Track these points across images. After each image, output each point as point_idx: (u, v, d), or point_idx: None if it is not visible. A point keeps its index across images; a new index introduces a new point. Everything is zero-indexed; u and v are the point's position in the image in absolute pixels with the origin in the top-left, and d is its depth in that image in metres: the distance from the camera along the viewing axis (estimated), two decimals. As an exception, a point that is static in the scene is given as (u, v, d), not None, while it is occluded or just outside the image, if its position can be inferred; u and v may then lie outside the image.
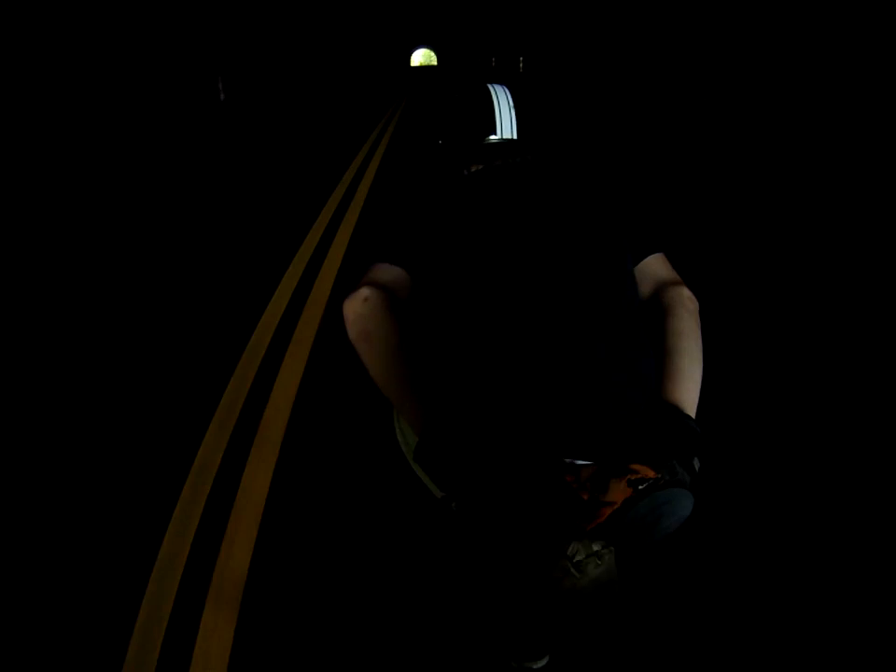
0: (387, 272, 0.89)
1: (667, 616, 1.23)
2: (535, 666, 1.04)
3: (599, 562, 0.80)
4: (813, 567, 1.37)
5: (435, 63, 58.44)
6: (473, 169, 1.05)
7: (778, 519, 1.53)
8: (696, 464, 0.80)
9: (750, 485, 1.65)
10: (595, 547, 0.79)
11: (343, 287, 2.39)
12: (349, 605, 1.28)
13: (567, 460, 0.77)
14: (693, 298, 0.95)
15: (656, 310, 0.95)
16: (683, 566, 1.35)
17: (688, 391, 0.85)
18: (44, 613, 1.32)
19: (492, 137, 1.05)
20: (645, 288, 0.98)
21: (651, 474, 0.74)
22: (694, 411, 0.84)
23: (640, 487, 0.73)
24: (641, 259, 0.98)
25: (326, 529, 1.50)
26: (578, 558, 0.80)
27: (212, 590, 1.35)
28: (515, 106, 1.07)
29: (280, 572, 1.39)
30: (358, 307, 0.84)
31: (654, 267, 0.98)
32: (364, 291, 0.84)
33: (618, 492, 0.74)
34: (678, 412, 0.81)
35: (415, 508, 1.44)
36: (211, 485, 1.67)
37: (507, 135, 1.06)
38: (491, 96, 1.07)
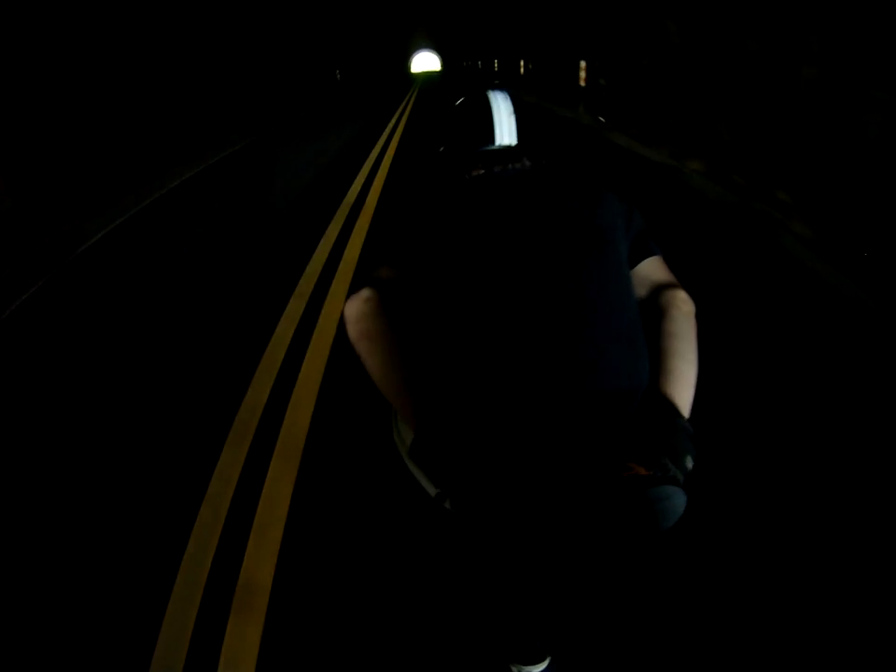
0: (389, 273, 0.92)
1: (668, 618, 1.22)
2: (535, 670, 1.05)
3: None
4: (808, 568, 1.39)
5: (439, 69, 51.64)
6: (474, 174, 1.06)
7: (776, 519, 1.55)
8: (689, 463, 0.80)
9: (749, 486, 1.68)
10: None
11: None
12: (361, 610, 1.34)
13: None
14: (689, 300, 0.95)
15: (653, 312, 0.95)
16: (683, 566, 1.33)
17: (680, 391, 0.86)
18: (69, 623, 1.39)
19: (491, 144, 1.06)
20: (641, 291, 0.99)
21: (643, 472, 0.73)
22: (688, 410, 0.85)
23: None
24: (638, 262, 0.99)
25: (346, 534, 1.57)
26: None
27: (237, 597, 1.40)
28: (515, 112, 1.08)
29: (304, 579, 1.46)
30: (360, 307, 0.86)
31: (650, 270, 0.99)
32: (365, 292, 0.87)
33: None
34: (670, 410, 0.83)
35: (422, 512, 1.48)
36: (234, 490, 1.79)
37: (506, 142, 1.07)
38: (490, 104, 1.08)
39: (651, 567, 1.25)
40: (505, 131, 1.06)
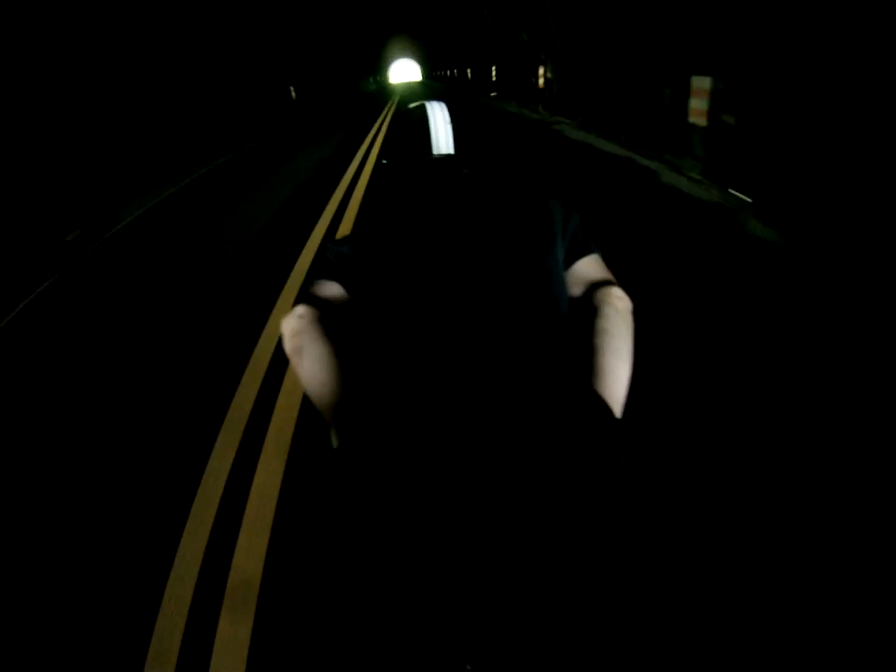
0: (325, 287, 0.95)
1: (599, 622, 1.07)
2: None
3: None
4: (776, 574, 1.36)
5: (420, 80, 46.64)
6: (414, 185, 1.06)
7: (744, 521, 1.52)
8: (620, 459, 0.80)
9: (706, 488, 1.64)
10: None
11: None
12: (347, 603, 1.31)
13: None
14: (624, 296, 0.94)
15: (589, 310, 0.95)
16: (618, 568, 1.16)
17: (612, 388, 0.85)
18: (66, 621, 1.43)
19: (429, 154, 1.07)
20: (578, 289, 0.99)
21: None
22: (620, 407, 0.85)
23: None
24: (575, 262, 0.99)
25: (334, 527, 1.51)
26: None
27: (227, 595, 1.44)
28: (452, 122, 1.08)
29: (291, 575, 1.48)
30: (293, 323, 0.90)
31: (587, 268, 0.99)
32: (299, 309, 0.91)
33: None
34: (601, 408, 0.82)
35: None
36: (223, 490, 1.85)
37: (443, 151, 1.07)
38: (427, 114, 1.08)
39: (589, 571, 1.04)
40: (441, 140, 1.07)
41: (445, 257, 0.88)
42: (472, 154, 1.09)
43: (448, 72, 35.63)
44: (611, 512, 0.73)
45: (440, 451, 0.74)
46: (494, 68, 18.24)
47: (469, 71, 25.53)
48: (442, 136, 1.06)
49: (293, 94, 19.80)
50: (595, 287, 0.95)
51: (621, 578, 0.87)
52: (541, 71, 11.91)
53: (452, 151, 1.06)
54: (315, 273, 0.97)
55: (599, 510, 0.72)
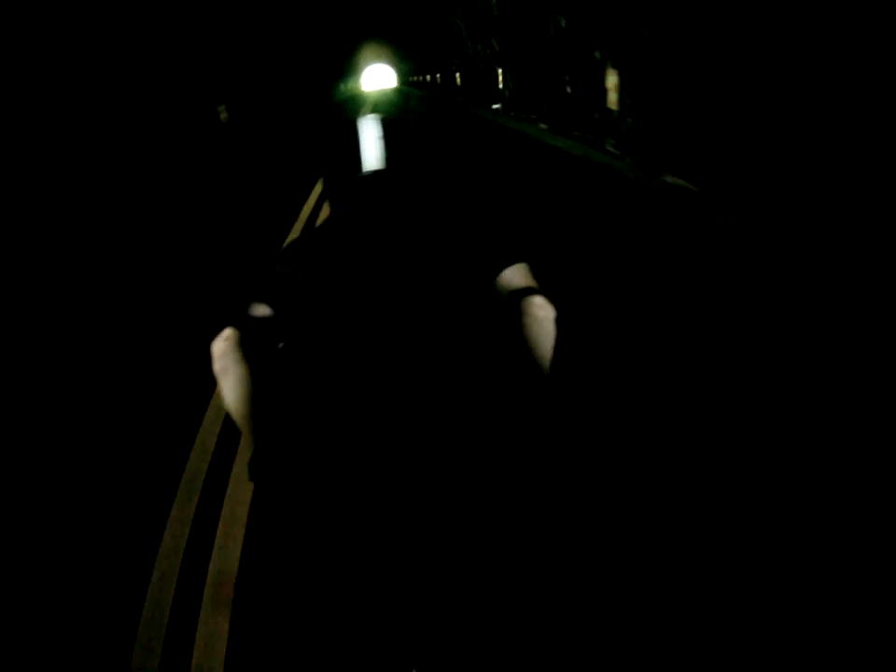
0: (256, 309, 0.94)
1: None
2: None
3: None
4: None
5: (396, 86, 41.52)
6: (347, 202, 1.07)
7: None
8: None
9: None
10: None
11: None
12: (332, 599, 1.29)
13: None
14: (545, 305, 0.94)
15: (512, 319, 0.98)
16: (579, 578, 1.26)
17: (524, 396, 0.91)
18: (54, 617, 1.45)
19: (359, 171, 1.06)
20: (500, 298, 1.03)
21: None
22: (535, 416, 0.91)
23: None
24: (499, 271, 1.01)
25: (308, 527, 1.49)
26: None
27: (207, 591, 1.48)
28: (384, 137, 1.07)
29: (268, 569, 1.53)
30: (220, 346, 0.90)
31: (511, 278, 1.00)
32: (226, 332, 0.91)
33: None
34: (515, 417, 0.89)
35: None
36: (201, 489, 1.87)
37: (374, 167, 1.06)
38: (358, 130, 1.07)
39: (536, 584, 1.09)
40: (372, 156, 1.05)
41: (374, 282, 0.91)
42: (403, 170, 1.05)
43: (428, 77, 30.38)
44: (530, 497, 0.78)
45: (352, 451, 0.78)
46: (501, 71, 13.03)
47: (457, 75, 20.30)
48: (374, 153, 1.03)
49: (223, 116, 14.37)
50: (518, 295, 0.95)
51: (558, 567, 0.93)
52: (613, 81, 6.70)
53: (383, 168, 1.03)
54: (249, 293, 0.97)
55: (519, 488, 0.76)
